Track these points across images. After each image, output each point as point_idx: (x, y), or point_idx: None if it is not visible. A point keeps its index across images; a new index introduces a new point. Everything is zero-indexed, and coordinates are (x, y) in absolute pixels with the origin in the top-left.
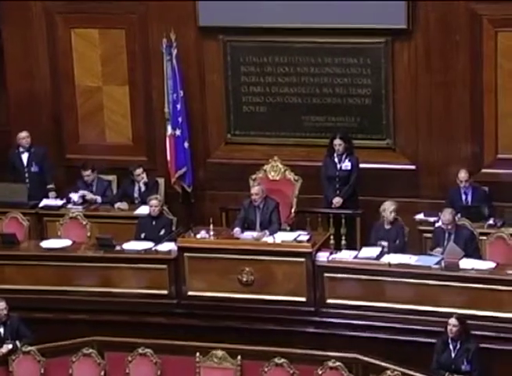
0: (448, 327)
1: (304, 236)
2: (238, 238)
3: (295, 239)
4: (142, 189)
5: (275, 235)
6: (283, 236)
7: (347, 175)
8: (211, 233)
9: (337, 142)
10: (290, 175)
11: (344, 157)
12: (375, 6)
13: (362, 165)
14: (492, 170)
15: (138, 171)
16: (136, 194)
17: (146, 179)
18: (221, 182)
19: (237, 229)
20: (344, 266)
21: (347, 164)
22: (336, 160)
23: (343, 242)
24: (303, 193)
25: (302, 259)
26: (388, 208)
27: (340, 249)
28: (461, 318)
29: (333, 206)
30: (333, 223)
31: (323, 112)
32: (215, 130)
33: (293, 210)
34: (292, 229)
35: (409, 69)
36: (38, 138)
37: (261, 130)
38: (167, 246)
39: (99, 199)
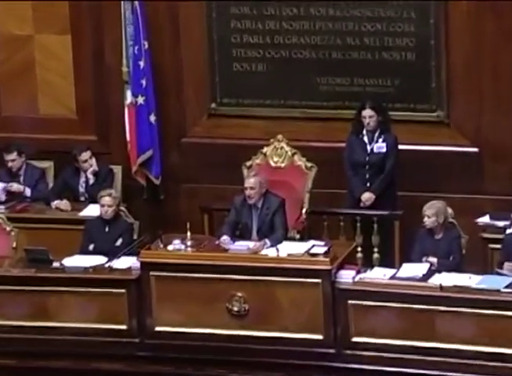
0: None
1: (319, 247)
2: (227, 250)
3: (307, 251)
4: (91, 180)
5: (280, 246)
6: (291, 248)
7: (381, 160)
8: (189, 243)
9: (367, 113)
10: (301, 161)
11: (376, 135)
12: None
13: (401, 147)
14: None
15: (85, 155)
16: (82, 188)
17: (95, 167)
18: (203, 172)
19: (225, 238)
20: (376, 290)
21: (381, 146)
22: (365, 139)
23: (375, 256)
24: (318, 186)
25: (318, 280)
26: (425, 211)
27: (371, 266)
28: None
29: (361, 204)
30: (361, 229)
31: (347, 72)
32: (194, 97)
33: (304, 210)
34: (303, 238)
35: (469, 12)
36: None
37: (259, 97)
38: (127, 261)
39: (27, 191)
